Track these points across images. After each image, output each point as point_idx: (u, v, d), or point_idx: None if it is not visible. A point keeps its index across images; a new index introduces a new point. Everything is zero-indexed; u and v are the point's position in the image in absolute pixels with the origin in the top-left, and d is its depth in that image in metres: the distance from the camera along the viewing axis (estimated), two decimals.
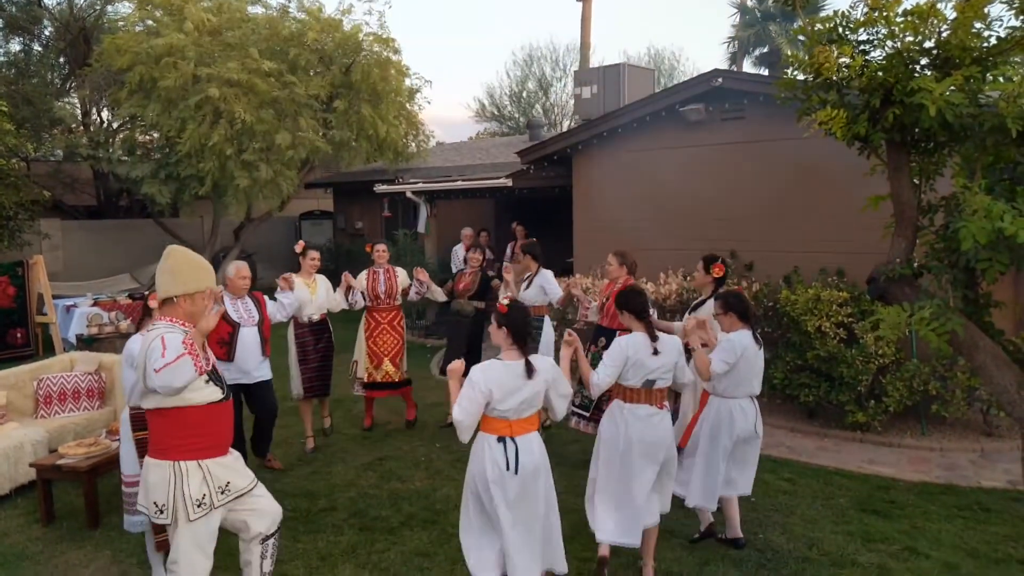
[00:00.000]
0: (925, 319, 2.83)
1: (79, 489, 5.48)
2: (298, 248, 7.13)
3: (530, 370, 3.70)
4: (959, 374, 6.75)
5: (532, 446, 3.77)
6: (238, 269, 6.10)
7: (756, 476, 5.82)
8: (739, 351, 4.51)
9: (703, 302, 5.52)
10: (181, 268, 3.66)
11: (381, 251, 7.45)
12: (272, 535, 3.83)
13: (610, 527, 4.29)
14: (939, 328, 2.82)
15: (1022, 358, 3.10)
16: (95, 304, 11.20)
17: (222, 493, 3.56)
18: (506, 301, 3.85)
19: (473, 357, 7.39)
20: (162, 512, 3.48)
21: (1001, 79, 2.95)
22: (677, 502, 4.80)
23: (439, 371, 7.72)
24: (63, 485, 5.77)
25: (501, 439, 3.72)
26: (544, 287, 7.02)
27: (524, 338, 3.78)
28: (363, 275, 7.39)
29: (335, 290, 7.18)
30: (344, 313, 7.45)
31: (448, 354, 7.50)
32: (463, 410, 3.62)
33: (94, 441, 5.60)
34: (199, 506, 3.48)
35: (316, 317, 6.94)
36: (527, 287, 7.11)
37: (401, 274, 7.47)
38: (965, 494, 5.69)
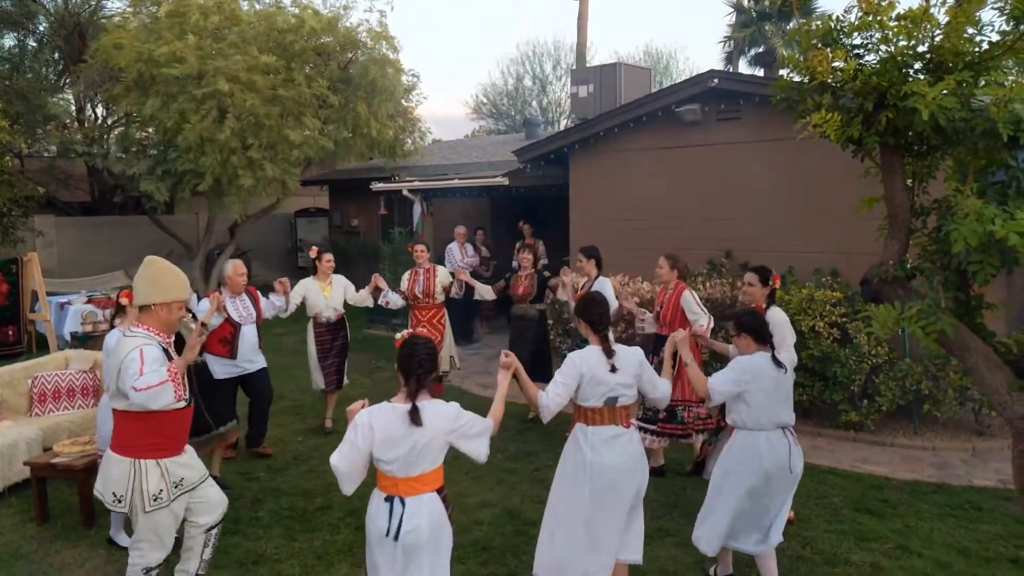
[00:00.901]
0: (913, 316, 2.86)
1: (74, 488, 5.49)
2: (312, 253, 7.37)
3: (415, 417, 3.16)
4: (951, 374, 6.79)
5: (421, 509, 3.20)
6: (235, 266, 6.28)
7: None
8: (750, 375, 4.02)
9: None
10: (161, 277, 3.89)
11: (420, 251, 7.64)
12: (216, 525, 4.10)
13: (553, 565, 3.88)
14: (928, 326, 2.84)
15: (1013, 359, 3.12)
16: (89, 301, 11.19)
17: (176, 487, 3.85)
18: (403, 335, 3.42)
19: (542, 359, 7.46)
20: (120, 502, 3.79)
21: (993, 83, 2.98)
22: (670, 500, 4.82)
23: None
24: (57, 484, 5.77)
25: (389, 498, 3.23)
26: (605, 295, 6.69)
27: (410, 376, 3.26)
28: (406, 276, 7.65)
29: (358, 289, 7.41)
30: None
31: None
32: (342, 455, 3.18)
33: (89, 439, 5.60)
34: (155, 500, 3.77)
35: (333, 318, 7.23)
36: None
37: (442, 273, 7.62)
38: (957, 493, 5.73)
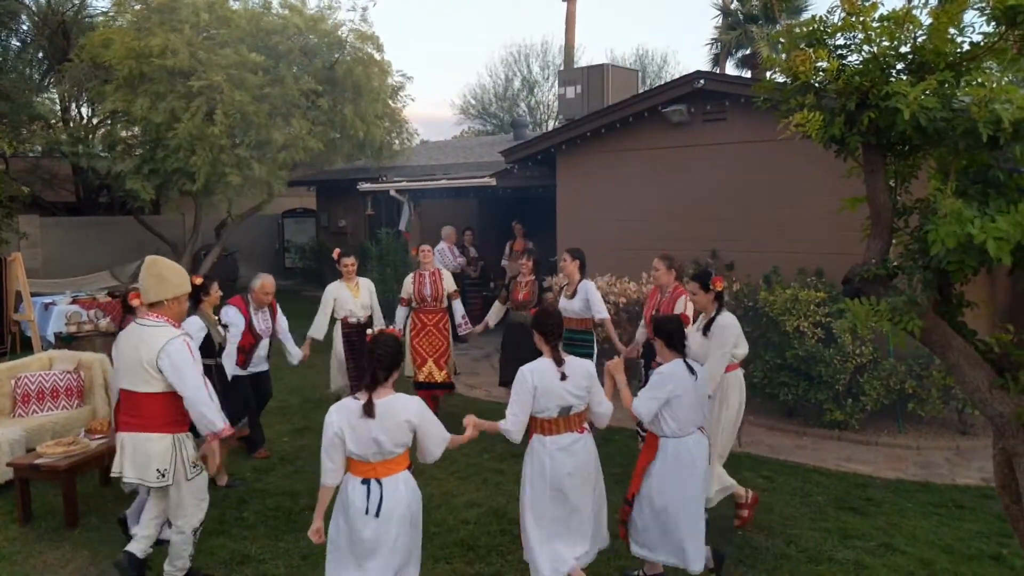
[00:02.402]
0: (884, 312, 2.89)
1: (57, 489, 5.44)
2: (335, 255, 7.59)
3: (369, 410, 3.40)
4: (935, 373, 6.85)
5: (399, 485, 3.49)
6: (264, 284, 6.39)
7: (736, 473, 5.85)
8: (670, 383, 4.05)
9: (712, 320, 4.90)
10: (168, 274, 4.27)
11: (426, 252, 7.62)
12: (201, 525, 4.39)
13: (574, 552, 4.00)
14: (899, 323, 2.87)
15: (994, 357, 3.15)
16: (74, 302, 11.10)
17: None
18: (374, 331, 3.67)
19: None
20: (164, 476, 4.11)
21: (975, 84, 3.00)
22: None
23: (499, 382, 7.64)
24: (41, 485, 5.71)
25: (365, 481, 3.46)
26: (588, 300, 6.37)
27: (371, 373, 3.48)
28: (409, 278, 7.60)
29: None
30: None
31: (504, 363, 7.30)
32: (325, 451, 3.51)
33: (73, 440, 5.56)
34: (195, 466, 4.23)
35: (363, 318, 7.33)
36: (570, 297, 6.51)
37: (447, 277, 7.61)
38: (940, 491, 5.78)
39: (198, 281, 5.59)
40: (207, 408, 4.11)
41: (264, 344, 6.46)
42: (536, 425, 4.01)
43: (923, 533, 5.03)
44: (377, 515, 3.43)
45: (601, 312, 6.39)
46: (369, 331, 3.71)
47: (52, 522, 5.32)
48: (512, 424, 3.92)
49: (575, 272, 6.48)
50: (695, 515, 4.10)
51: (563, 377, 3.92)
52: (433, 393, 7.38)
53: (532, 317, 4.24)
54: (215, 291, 5.80)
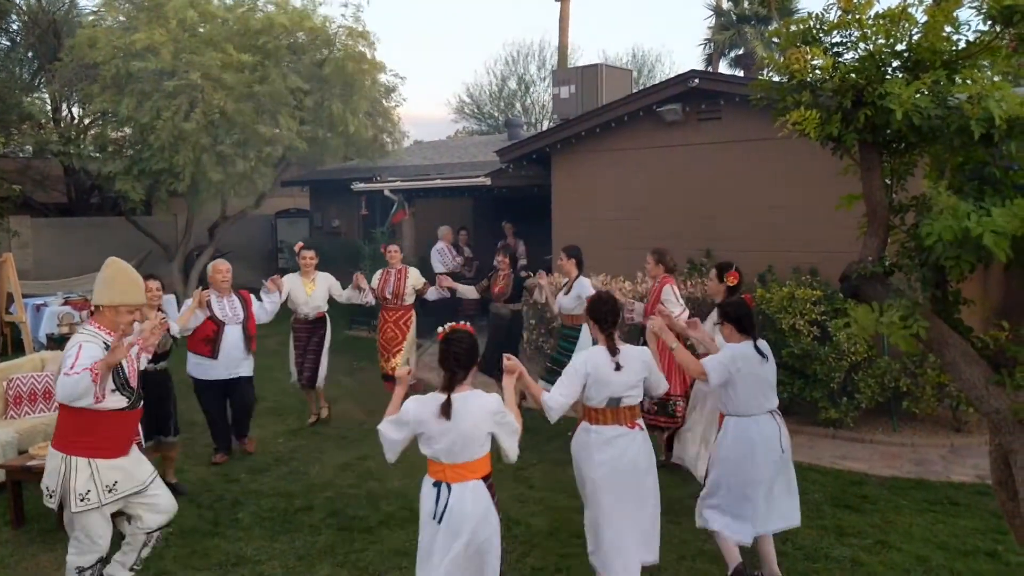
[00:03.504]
0: (896, 323, 2.87)
1: None
2: (296, 248, 7.44)
3: (445, 410, 3.28)
4: (929, 371, 6.87)
5: (466, 495, 3.33)
6: (214, 266, 6.22)
7: None
8: (738, 362, 4.14)
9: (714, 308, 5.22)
10: (113, 280, 3.98)
11: (393, 252, 7.71)
12: (159, 529, 4.14)
13: (623, 555, 3.93)
14: (907, 332, 2.87)
15: (990, 354, 3.16)
16: (66, 303, 11.05)
17: (109, 492, 3.84)
18: (445, 329, 3.52)
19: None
20: (51, 497, 3.83)
21: (969, 82, 3.01)
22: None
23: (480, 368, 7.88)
24: (33, 487, 5.65)
25: (436, 484, 3.39)
26: (582, 296, 6.47)
27: (446, 370, 3.42)
28: (377, 275, 7.70)
29: (344, 287, 7.45)
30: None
31: (487, 354, 7.45)
32: (389, 425, 3.43)
33: None
34: (82, 500, 3.78)
35: (311, 315, 7.22)
36: (566, 293, 6.67)
37: (413, 274, 7.66)
38: (935, 488, 5.80)
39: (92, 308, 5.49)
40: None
41: (234, 335, 6.18)
42: (586, 412, 3.99)
43: (919, 530, 5.04)
44: (439, 521, 3.30)
45: None
46: (440, 329, 3.53)
47: (45, 524, 5.28)
48: (554, 402, 3.84)
49: (572, 269, 6.66)
50: (756, 494, 4.14)
51: (617, 367, 3.86)
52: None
53: (588, 306, 4.18)
54: (150, 287, 5.35)
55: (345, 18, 13.72)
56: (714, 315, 5.03)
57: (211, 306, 6.14)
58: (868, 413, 7.23)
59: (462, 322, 3.61)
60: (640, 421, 4.05)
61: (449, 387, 3.35)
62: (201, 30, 12.32)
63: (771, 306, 7.29)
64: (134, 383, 3.98)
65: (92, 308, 4.08)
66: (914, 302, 2.95)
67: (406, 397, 3.52)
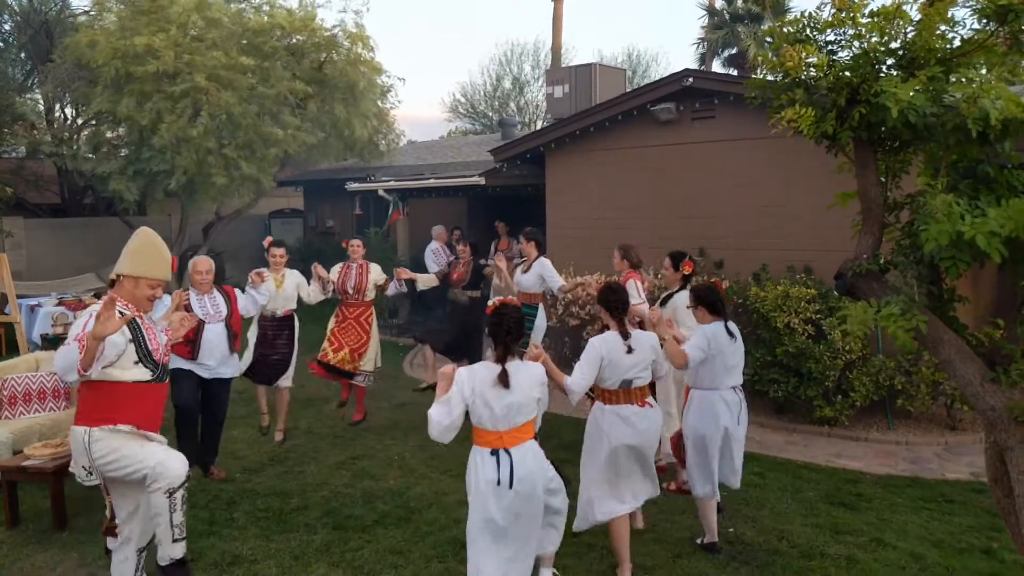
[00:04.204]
0: (894, 315, 2.89)
1: (45, 491, 5.38)
2: (265, 243, 7.12)
3: (504, 380, 3.50)
4: (924, 369, 6.90)
5: (527, 455, 3.57)
6: (194, 264, 5.94)
7: None
8: (710, 341, 4.54)
9: (671, 295, 5.69)
10: (139, 250, 3.77)
11: (356, 246, 7.45)
12: (180, 487, 3.80)
13: (614, 505, 4.32)
14: (906, 325, 2.88)
15: (985, 352, 3.17)
16: (60, 303, 11.00)
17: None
18: (495, 302, 3.76)
19: (468, 343, 7.55)
20: (91, 474, 3.67)
21: (963, 80, 3.02)
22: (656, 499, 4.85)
23: (417, 338, 7.96)
24: (28, 487, 5.66)
25: (494, 452, 3.55)
26: (543, 275, 6.85)
27: (498, 342, 3.63)
28: (336, 268, 7.40)
29: (309, 283, 7.12)
30: (319, 309, 7.44)
31: (447, 339, 7.68)
32: (442, 409, 3.52)
33: (60, 442, 5.49)
34: (90, 473, 3.68)
35: (280, 312, 6.83)
36: (525, 271, 6.97)
37: (375, 270, 7.43)
38: (930, 486, 5.82)
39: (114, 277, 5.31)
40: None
41: (215, 334, 5.80)
42: (599, 394, 4.29)
43: (914, 528, 5.06)
44: (511, 486, 3.48)
45: (558, 282, 6.83)
46: (490, 302, 3.76)
47: (40, 524, 5.26)
48: (576, 384, 4.09)
49: (532, 251, 6.96)
50: (705, 457, 4.64)
51: (629, 350, 4.16)
52: (342, 379, 7.38)
53: (599, 293, 4.46)
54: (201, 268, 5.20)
55: (345, 23, 13.74)
56: (677, 299, 5.51)
57: (191, 305, 5.78)
58: (863, 411, 7.25)
59: (509, 296, 3.98)
60: (650, 399, 4.38)
61: (503, 357, 3.56)
62: (206, 34, 12.30)
63: (766, 304, 7.31)
64: (158, 357, 3.77)
65: (113, 277, 3.82)
66: (910, 297, 2.96)
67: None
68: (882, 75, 3.11)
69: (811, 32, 3.28)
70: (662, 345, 4.51)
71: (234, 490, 5.82)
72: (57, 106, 16.56)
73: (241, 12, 13.14)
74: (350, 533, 5.04)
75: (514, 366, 3.56)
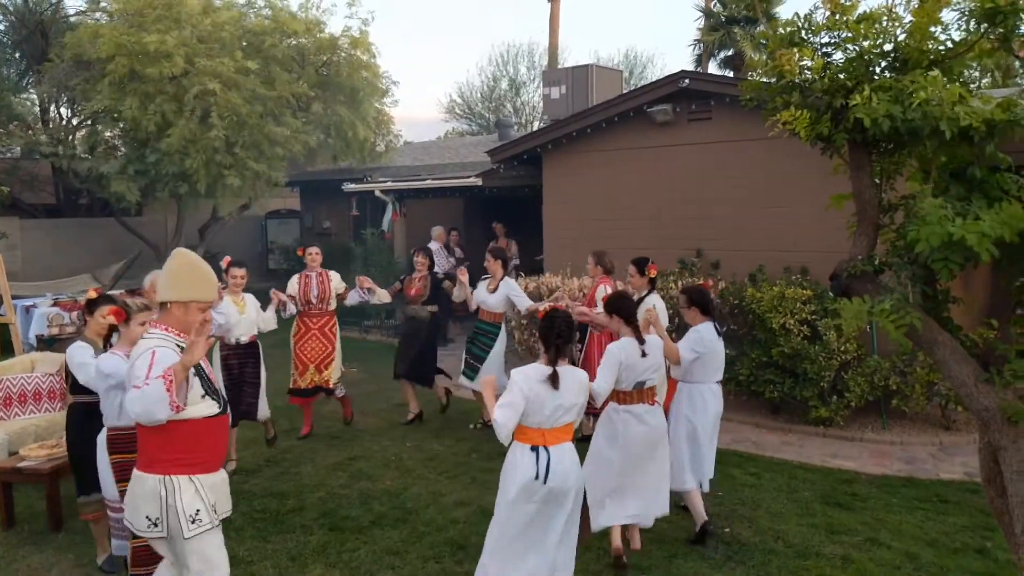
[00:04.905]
0: (885, 310, 2.91)
1: (41, 492, 5.38)
2: (223, 263, 6.35)
3: (554, 382, 3.69)
4: (918, 370, 6.92)
5: (564, 455, 3.75)
6: (153, 281, 5.10)
7: (722, 470, 5.98)
8: (702, 341, 4.84)
9: (641, 299, 5.75)
10: (182, 273, 3.49)
11: (314, 254, 7.18)
12: None
13: (627, 510, 4.49)
14: (898, 321, 2.90)
15: (979, 353, 3.19)
16: (55, 304, 10.98)
17: (214, 512, 3.39)
18: (546, 307, 3.95)
19: (426, 360, 7.41)
20: (155, 526, 3.28)
21: (922, 90, 3.00)
22: None
23: (393, 375, 7.65)
24: (24, 488, 5.65)
25: (534, 448, 3.73)
26: (509, 295, 6.96)
27: (550, 345, 3.79)
28: (295, 279, 7.17)
29: (264, 308, 6.63)
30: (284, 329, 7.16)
31: (401, 356, 7.48)
32: (504, 411, 3.64)
33: (56, 443, 5.48)
34: (193, 522, 3.29)
35: (245, 339, 6.30)
36: (492, 290, 7.04)
37: (335, 278, 7.24)
38: (925, 486, 5.84)
39: (92, 296, 4.68)
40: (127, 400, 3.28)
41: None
42: (613, 395, 4.46)
43: (908, 527, 5.08)
44: (545, 481, 3.66)
45: (525, 302, 6.99)
46: (542, 307, 3.94)
47: (36, 526, 5.26)
48: (601, 388, 4.24)
49: (498, 270, 7.04)
50: (698, 447, 4.93)
51: (643, 354, 4.39)
52: (308, 400, 7.18)
53: (607, 302, 4.68)
54: (103, 315, 4.52)
55: (350, 29, 13.80)
56: (647, 302, 5.68)
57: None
58: (858, 412, 7.27)
59: (560, 302, 4.30)
60: (657, 397, 4.63)
61: (554, 360, 3.73)
62: (212, 36, 12.33)
63: (761, 305, 7.32)
64: (218, 387, 3.55)
65: (157, 305, 3.55)
66: (904, 297, 2.98)
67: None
68: (876, 77, 3.13)
69: (806, 35, 3.30)
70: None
71: (230, 491, 5.81)
72: (53, 106, 16.56)
73: (243, 15, 13.17)
74: (347, 534, 5.04)
75: (563, 369, 3.74)
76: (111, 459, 4.13)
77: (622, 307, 4.53)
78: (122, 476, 3.96)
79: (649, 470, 4.55)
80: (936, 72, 3.02)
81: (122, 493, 3.95)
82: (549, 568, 3.75)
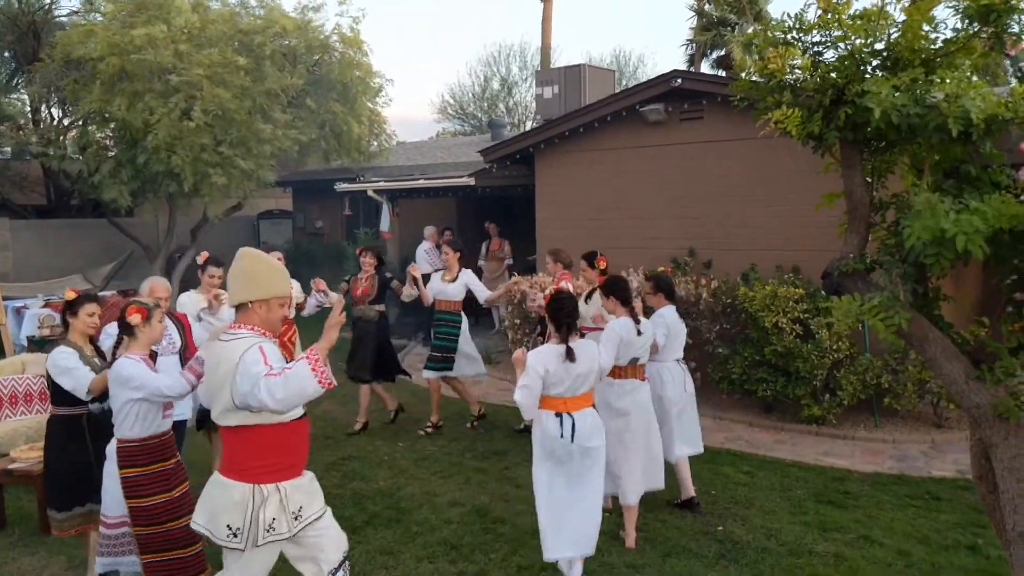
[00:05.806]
0: (874, 308, 2.92)
1: (32, 494, 5.35)
2: (200, 259, 6.01)
3: (571, 355, 4.09)
4: (910, 368, 6.95)
5: (587, 418, 4.19)
6: (153, 287, 4.91)
7: (715, 469, 5.99)
8: (667, 324, 5.24)
9: (592, 291, 5.91)
10: (256, 271, 3.40)
11: (276, 259, 6.83)
12: (341, 566, 3.48)
13: (637, 483, 4.86)
14: (886, 319, 2.91)
15: (970, 350, 3.20)
16: (46, 305, 10.92)
17: (295, 519, 3.28)
18: (549, 292, 4.30)
19: (385, 357, 7.37)
20: (235, 536, 3.17)
21: (947, 81, 3.05)
22: (645, 498, 4.89)
23: (347, 375, 7.35)
24: (15, 490, 5.62)
25: (559, 414, 4.16)
26: (468, 285, 7.29)
27: (561, 325, 4.20)
28: None
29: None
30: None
31: (355, 358, 7.33)
32: (524, 392, 4.07)
33: None
34: (268, 530, 3.19)
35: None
36: (452, 280, 7.30)
37: (295, 288, 6.77)
38: (916, 484, 5.86)
39: (70, 296, 4.48)
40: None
41: (167, 366, 4.56)
42: (610, 371, 4.78)
43: (900, 525, 5.10)
44: (572, 440, 4.10)
45: (484, 293, 7.41)
46: (546, 292, 4.20)
47: (27, 528, 5.23)
48: (606, 363, 4.53)
49: (455, 263, 7.35)
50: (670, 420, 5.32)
51: (639, 333, 4.79)
52: None
53: (603, 285, 5.05)
54: (88, 313, 4.36)
55: (341, 27, 13.79)
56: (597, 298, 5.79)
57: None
58: (850, 410, 7.30)
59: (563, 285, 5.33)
60: (646, 373, 5.04)
61: (566, 338, 4.15)
62: (199, 32, 12.28)
63: (754, 304, 7.34)
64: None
65: (235, 307, 3.43)
66: (894, 295, 2.99)
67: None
68: (867, 76, 3.13)
69: (797, 34, 3.31)
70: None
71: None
72: (44, 107, 16.48)
73: (235, 15, 13.12)
74: None
75: (576, 344, 4.16)
76: (121, 473, 3.88)
77: (618, 289, 4.88)
78: (134, 493, 3.83)
79: (642, 442, 4.90)
80: (956, 71, 3.04)
81: (131, 508, 3.85)
82: (595, 525, 4.19)
